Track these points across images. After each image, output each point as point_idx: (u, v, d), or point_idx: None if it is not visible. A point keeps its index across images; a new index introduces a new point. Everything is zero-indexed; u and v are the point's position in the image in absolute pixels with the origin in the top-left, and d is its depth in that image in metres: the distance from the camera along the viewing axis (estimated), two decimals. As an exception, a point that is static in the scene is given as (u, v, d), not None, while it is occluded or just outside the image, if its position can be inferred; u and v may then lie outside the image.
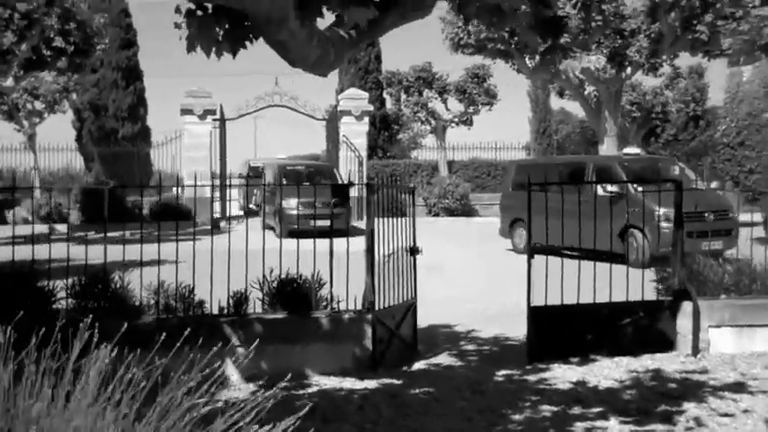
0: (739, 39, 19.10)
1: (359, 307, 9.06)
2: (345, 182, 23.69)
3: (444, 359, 9.62)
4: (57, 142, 38.18)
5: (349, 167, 29.42)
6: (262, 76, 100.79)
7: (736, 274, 9.85)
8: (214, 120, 30.44)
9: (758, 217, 21.59)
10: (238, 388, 7.99)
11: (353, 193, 23.37)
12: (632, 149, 21.19)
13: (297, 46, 5.43)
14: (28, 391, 3.73)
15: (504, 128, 72.93)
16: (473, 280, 16.06)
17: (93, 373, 4.06)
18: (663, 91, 39.10)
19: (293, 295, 9.02)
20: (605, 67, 25.29)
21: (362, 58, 41.67)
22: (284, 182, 21.29)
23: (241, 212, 28.13)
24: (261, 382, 7.91)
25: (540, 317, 9.17)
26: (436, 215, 31.54)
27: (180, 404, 3.97)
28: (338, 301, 9.06)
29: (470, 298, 13.84)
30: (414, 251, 10.03)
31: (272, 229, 21.28)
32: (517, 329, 11.03)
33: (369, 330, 8.83)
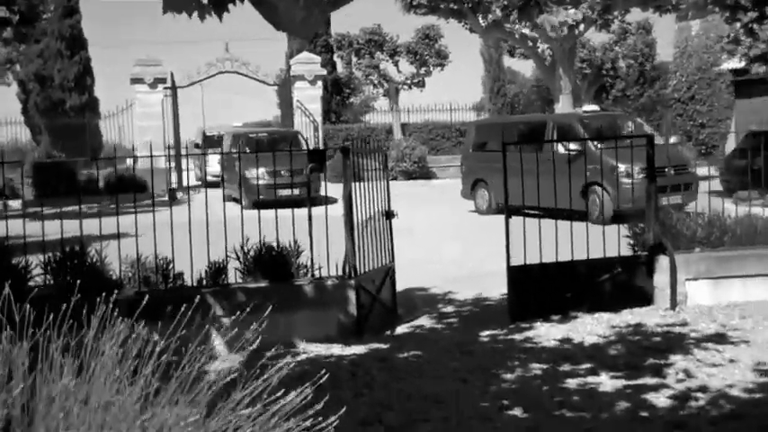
0: (693, -7, 19.21)
1: (339, 273, 9.03)
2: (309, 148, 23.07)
3: (426, 322, 9.66)
4: (1, 116, 37.38)
5: (304, 133, 29.19)
6: (208, 43, 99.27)
7: (708, 227, 9.99)
8: (165, 88, 30.01)
9: (711, 171, 21.90)
10: (225, 359, 7.92)
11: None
12: (591, 107, 21.34)
13: (285, 7, 5.35)
14: (47, 371, 3.64)
15: (456, 89, 72.93)
16: (440, 242, 16.08)
17: (109, 349, 3.99)
18: (612, 47, 39.34)
19: (272, 263, 8.97)
20: (559, 25, 25.32)
21: (311, 21, 41.23)
22: (248, 150, 20.90)
23: (198, 182, 27.72)
24: (247, 353, 7.85)
25: (519, 276, 9.23)
26: (394, 179, 31.43)
27: (199, 377, 3.92)
28: (318, 268, 9.02)
29: (440, 260, 13.87)
30: (389, 215, 10.02)
31: (236, 200, 20.56)
32: (492, 290, 11.11)
33: (352, 296, 8.82)
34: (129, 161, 26.33)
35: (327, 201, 9.02)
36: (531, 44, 27.18)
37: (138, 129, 29.32)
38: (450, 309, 10.38)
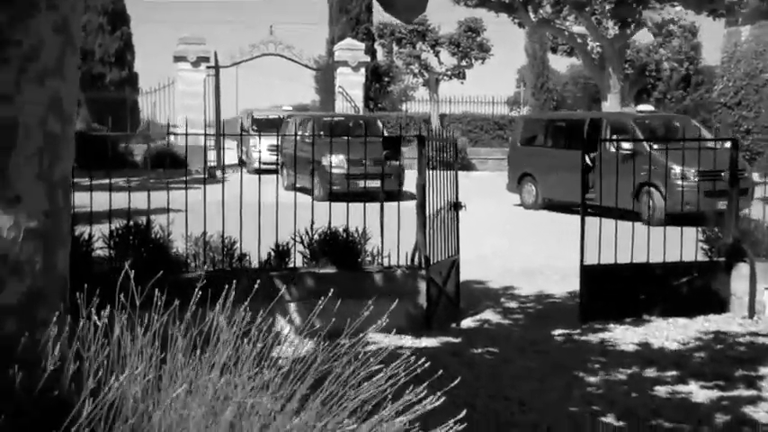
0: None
1: (408, 263, 8.78)
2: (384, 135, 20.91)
3: (490, 316, 9.38)
4: (41, 87, 37.36)
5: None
6: (245, 26, 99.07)
7: (785, 235, 9.64)
8: (208, 67, 29.82)
9: (757, 177, 21.46)
10: (293, 344, 7.70)
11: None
12: (646, 107, 20.93)
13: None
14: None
15: (490, 82, 72.40)
16: (490, 236, 15.76)
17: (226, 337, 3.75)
18: (657, 49, 38.80)
19: (340, 249, 8.70)
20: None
21: (354, 8, 40.96)
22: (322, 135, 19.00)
23: (236, 163, 27.31)
24: (316, 339, 7.63)
25: (592, 276, 8.92)
26: (434, 168, 31.19)
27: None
28: (387, 256, 8.76)
29: (493, 254, 13.58)
30: (457, 206, 9.77)
31: (301, 190, 14.80)
32: (551, 286, 10.94)
33: (423, 287, 8.57)
34: (171, 137, 26.02)
35: (400, 195, 8.77)
36: (580, 41, 26.74)
37: (180, 106, 29.11)
38: (513, 304, 10.10)
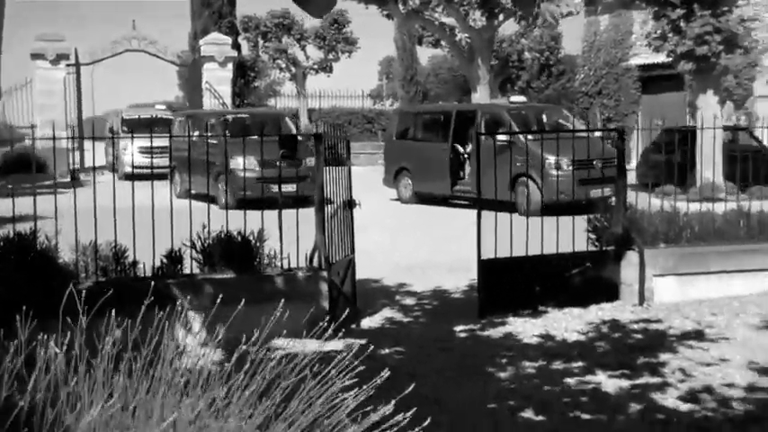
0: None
1: (307, 264, 8.65)
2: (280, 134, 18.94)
3: (389, 314, 9.37)
4: None
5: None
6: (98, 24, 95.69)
7: (667, 223, 9.98)
8: (68, 65, 28.68)
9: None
10: (194, 355, 7.45)
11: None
12: (518, 97, 21.37)
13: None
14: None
15: (357, 75, 72.51)
16: (371, 233, 15.71)
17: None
18: (519, 39, 39.69)
19: (238, 252, 8.49)
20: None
21: (216, 1, 40.18)
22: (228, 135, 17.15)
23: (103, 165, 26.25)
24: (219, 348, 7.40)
25: (490, 270, 9.00)
26: (329, 165, 31.01)
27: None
28: (286, 258, 8.60)
29: (377, 250, 13.54)
30: (351, 204, 9.71)
31: (196, 197, 13.69)
32: (443, 282, 10.98)
33: (325, 288, 8.45)
34: (27, 140, 24.87)
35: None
36: (449, 33, 27.08)
37: (38, 107, 27.90)
38: (409, 301, 10.11)
